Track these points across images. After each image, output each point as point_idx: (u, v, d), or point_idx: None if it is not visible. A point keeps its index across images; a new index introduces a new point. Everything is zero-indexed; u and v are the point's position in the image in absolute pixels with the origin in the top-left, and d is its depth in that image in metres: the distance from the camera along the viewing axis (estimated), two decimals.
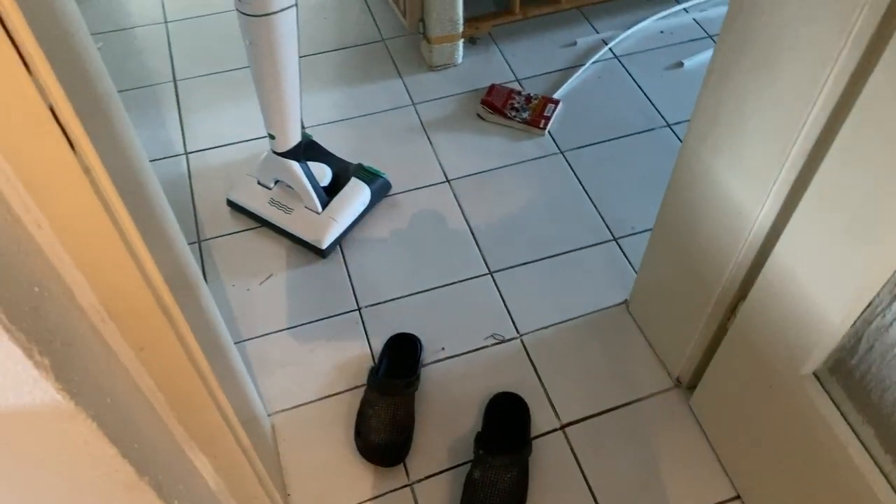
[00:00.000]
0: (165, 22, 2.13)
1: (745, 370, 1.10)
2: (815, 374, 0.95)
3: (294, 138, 1.44)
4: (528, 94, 1.83)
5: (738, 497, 1.21)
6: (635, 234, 1.57)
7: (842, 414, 0.92)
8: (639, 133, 1.78)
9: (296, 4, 1.21)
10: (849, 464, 0.91)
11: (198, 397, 0.80)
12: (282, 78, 1.29)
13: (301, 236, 1.53)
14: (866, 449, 0.89)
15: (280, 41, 1.22)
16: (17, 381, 0.47)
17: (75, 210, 0.55)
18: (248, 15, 1.19)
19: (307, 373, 1.37)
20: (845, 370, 0.91)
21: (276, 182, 1.57)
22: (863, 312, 0.84)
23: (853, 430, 0.91)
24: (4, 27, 0.44)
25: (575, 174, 1.69)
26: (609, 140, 1.77)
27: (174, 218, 0.78)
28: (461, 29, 1.89)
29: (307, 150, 1.55)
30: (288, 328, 1.44)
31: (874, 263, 0.79)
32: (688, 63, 1.91)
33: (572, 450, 1.27)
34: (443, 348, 1.40)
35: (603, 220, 1.60)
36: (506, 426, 1.27)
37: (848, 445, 0.91)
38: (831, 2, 0.75)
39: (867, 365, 0.86)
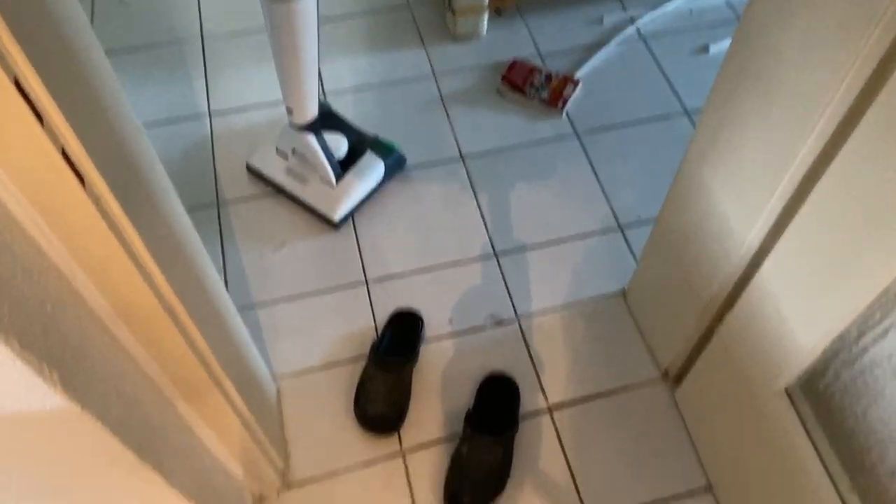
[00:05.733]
0: None
1: (727, 374, 1.14)
2: (787, 391, 1.00)
3: (311, 113, 1.48)
4: (549, 73, 1.83)
5: (710, 488, 1.28)
6: (640, 223, 1.59)
7: (806, 431, 0.97)
8: (656, 120, 1.78)
9: None
10: (808, 477, 0.96)
11: (182, 353, 0.83)
12: (300, 59, 1.32)
13: (315, 207, 1.59)
14: (825, 467, 0.94)
15: (300, 26, 1.25)
16: (29, 392, 0.54)
17: (84, 229, 0.61)
18: (270, 1, 1.21)
19: (314, 341, 1.45)
20: (814, 391, 0.95)
21: (294, 151, 1.62)
22: (832, 343, 0.87)
23: (815, 449, 0.96)
24: None
25: (588, 159, 1.71)
26: (625, 125, 1.77)
27: (170, 187, 0.80)
28: (487, 1, 1.88)
29: (324, 120, 1.58)
30: (298, 296, 1.51)
31: (846, 299, 0.83)
32: (713, 49, 1.89)
33: (557, 431, 1.34)
34: (451, 321, 1.46)
35: (611, 207, 1.63)
36: (495, 406, 1.33)
37: (809, 461, 0.96)
38: (829, 49, 0.76)
39: (832, 391, 0.90)
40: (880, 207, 0.75)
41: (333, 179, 1.57)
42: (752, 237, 0.99)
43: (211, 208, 1.64)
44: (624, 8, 2.01)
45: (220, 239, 1.59)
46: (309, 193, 1.59)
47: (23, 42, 0.49)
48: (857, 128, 0.76)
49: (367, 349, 1.42)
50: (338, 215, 1.57)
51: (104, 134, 0.62)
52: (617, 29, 1.95)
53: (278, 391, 1.38)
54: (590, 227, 1.60)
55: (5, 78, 0.47)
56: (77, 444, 0.62)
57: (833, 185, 0.81)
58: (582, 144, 1.74)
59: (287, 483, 1.28)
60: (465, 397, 1.38)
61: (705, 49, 1.90)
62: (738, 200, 1.00)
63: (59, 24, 0.57)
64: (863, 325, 0.83)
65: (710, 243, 1.10)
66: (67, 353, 0.58)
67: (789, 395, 1.00)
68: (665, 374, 1.39)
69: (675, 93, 1.83)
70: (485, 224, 1.61)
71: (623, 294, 1.50)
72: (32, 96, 0.50)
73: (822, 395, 0.93)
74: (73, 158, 0.56)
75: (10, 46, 0.48)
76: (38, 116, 0.51)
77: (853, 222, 0.79)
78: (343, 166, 1.60)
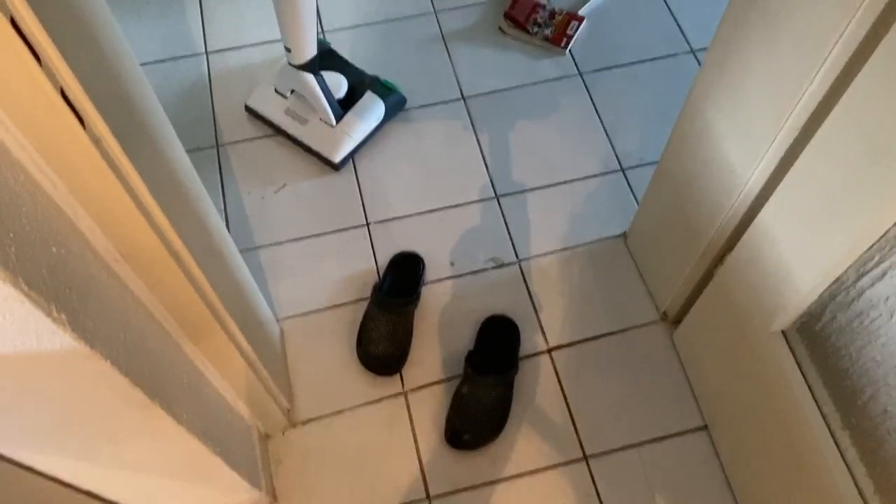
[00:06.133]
0: None
1: (725, 316, 1.16)
2: (784, 333, 1.01)
3: (310, 52, 1.45)
4: (553, 9, 1.79)
5: (705, 427, 1.31)
6: (643, 165, 1.58)
7: (801, 371, 0.99)
8: (661, 58, 1.75)
9: None
10: (801, 415, 0.98)
11: (186, 293, 0.84)
12: None
13: (315, 148, 1.57)
14: (819, 407, 0.96)
15: None
16: (39, 333, 0.55)
17: (86, 170, 0.61)
18: None
19: (316, 282, 1.46)
20: (810, 333, 0.96)
21: (293, 91, 1.59)
22: (830, 286, 0.88)
23: (809, 388, 0.98)
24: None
25: (591, 99, 1.69)
26: (630, 64, 1.74)
27: (170, 128, 0.80)
28: None
29: (324, 59, 1.55)
30: (299, 238, 1.51)
31: (845, 242, 0.83)
32: None
33: (556, 372, 1.36)
34: (452, 263, 1.47)
35: (613, 149, 1.61)
36: (496, 347, 1.36)
37: (803, 400, 0.98)
38: None
39: (827, 333, 0.92)
40: (885, 148, 0.74)
41: (333, 120, 1.55)
42: (755, 178, 0.98)
43: (210, 149, 1.63)
44: None
45: (221, 180, 1.59)
46: (309, 134, 1.58)
47: None
48: (866, 64, 0.75)
49: (368, 291, 1.44)
50: (338, 156, 1.55)
51: (103, 74, 0.61)
52: None
53: (281, 332, 1.40)
54: (592, 168, 1.59)
55: (1, 17, 0.46)
56: (88, 383, 0.64)
57: (839, 124, 0.81)
58: (585, 84, 1.71)
59: (292, 422, 1.31)
60: (466, 338, 1.40)
61: None
62: (741, 140, 0.99)
63: None
64: (861, 268, 0.83)
65: (712, 185, 1.10)
66: (74, 293, 0.59)
67: (785, 337, 1.01)
68: (664, 316, 1.41)
69: (682, 31, 1.79)
70: (486, 165, 1.60)
71: (624, 236, 1.50)
72: (29, 35, 0.49)
73: (818, 336, 0.95)
74: (72, 99, 0.55)
75: None
76: (36, 56, 0.50)
77: (857, 164, 0.79)
78: (343, 106, 1.59)
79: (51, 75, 0.52)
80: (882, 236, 0.78)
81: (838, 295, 0.88)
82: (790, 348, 1.00)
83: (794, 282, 0.94)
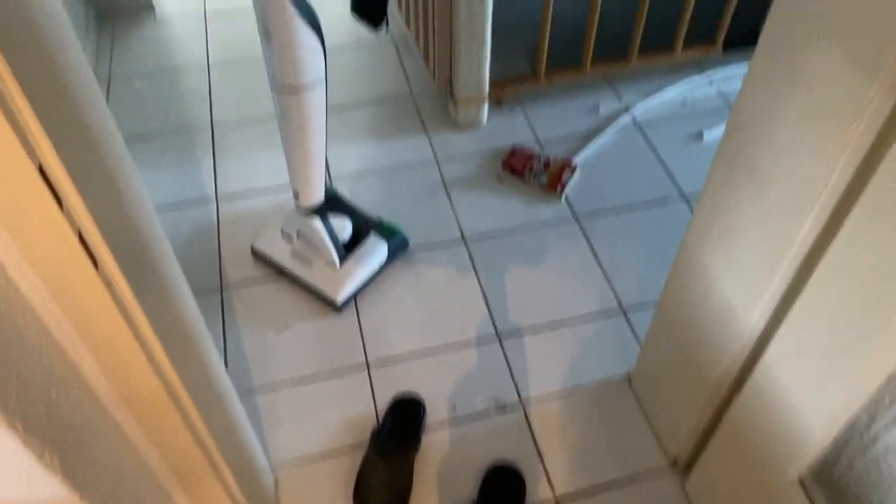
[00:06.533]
0: (208, 64, 2.23)
1: (738, 463, 1.12)
2: (801, 480, 0.97)
3: (317, 197, 1.50)
4: (548, 158, 1.88)
5: None
6: (643, 307, 1.60)
7: None
8: (654, 204, 1.81)
9: (325, 82, 1.28)
10: None
11: (183, 440, 0.82)
12: (309, 147, 1.35)
13: (318, 290, 1.59)
14: None
15: (309, 115, 1.29)
16: (30, 477, 0.53)
17: (94, 312, 0.61)
18: (280, 90, 1.26)
19: (314, 427, 1.42)
20: (828, 481, 0.92)
21: (299, 234, 1.64)
22: (843, 430, 0.86)
23: None
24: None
25: (588, 242, 1.73)
26: (624, 209, 1.80)
27: (179, 272, 0.81)
28: (487, 91, 1.95)
29: (330, 203, 1.61)
30: (299, 381, 1.49)
31: (853, 384, 0.82)
32: (708, 135, 1.95)
33: None
34: (453, 406, 1.44)
35: (613, 290, 1.63)
36: (500, 498, 1.29)
37: None
38: (820, 137, 0.79)
39: (846, 481, 0.88)
40: (881, 291, 0.75)
41: (337, 261, 1.58)
42: (756, 320, 0.99)
43: (214, 293, 1.65)
44: (619, 97, 2.08)
45: (223, 322, 1.59)
46: (312, 275, 1.60)
47: (48, 129, 0.51)
48: (851, 213, 0.78)
49: (367, 436, 1.39)
50: (340, 297, 1.57)
51: (119, 218, 0.64)
52: (613, 117, 2.02)
53: (276, 482, 1.34)
54: (592, 309, 1.60)
55: (30, 163, 0.49)
56: None
57: (832, 269, 0.82)
58: (581, 228, 1.76)
59: None
60: (468, 488, 1.34)
61: (699, 136, 1.96)
62: (739, 284, 1.01)
63: (82, 112, 0.59)
64: (873, 411, 0.82)
65: (713, 326, 1.10)
66: (69, 438, 0.57)
67: (803, 485, 0.97)
68: (674, 463, 1.36)
69: (672, 178, 1.87)
70: (487, 306, 1.61)
71: (628, 378, 1.48)
72: (54, 181, 0.51)
73: (837, 484, 0.91)
74: (89, 241, 0.56)
75: (37, 134, 0.50)
76: (58, 200, 0.52)
77: (855, 306, 0.79)
78: (347, 248, 1.62)
79: (70, 218, 0.54)
80: (889, 378, 0.77)
81: (852, 439, 0.85)
82: (809, 498, 0.96)
83: (806, 425, 0.91)
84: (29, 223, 0.52)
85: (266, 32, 1.18)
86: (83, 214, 0.55)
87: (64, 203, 0.53)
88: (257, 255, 1.69)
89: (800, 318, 0.90)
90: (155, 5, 2.46)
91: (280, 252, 1.65)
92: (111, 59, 2.26)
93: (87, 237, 0.56)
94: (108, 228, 0.59)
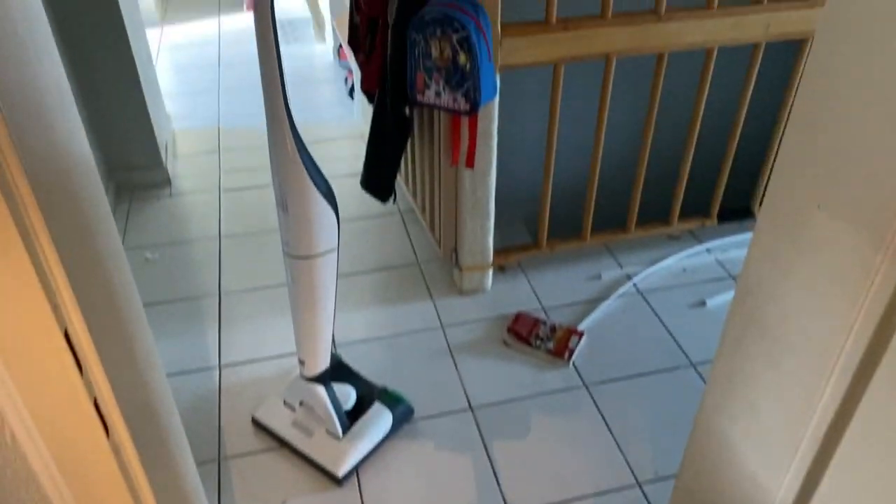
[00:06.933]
0: (219, 237, 2.31)
1: None
2: None
3: (322, 365, 1.49)
4: (553, 324, 1.89)
5: None
6: (660, 480, 1.52)
7: None
8: (663, 371, 1.79)
9: (337, 248, 1.32)
10: None
11: None
12: (318, 312, 1.37)
13: (319, 462, 1.53)
14: None
15: (320, 280, 1.32)
16: None
17: (100, 480, 0.59)
18: (293, 257, 1.29)
19: None
20: None
21: (302, 403, 1.60)
22: None
23: None
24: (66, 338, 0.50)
25: (599, 410, 1.69)
26: (633, 376, 1.78)
27: (185, 442, 0.79)
28: (491, 259, 2.00)
29: (334, 371, 1.59)
30: None
31: None
32: (710, 302, 1.97)
33: None
34: None
35: (626, 461, 1.57)
36: None
37: None
38: (831, 299, 0.80)
39: None
40: None
41: (340, 431, 1.53)
42: (783, 492, 0.94)
43: (212, 463, 1.58)
44: (620, 265, 2.14)
45: (218, 497, 1.51)
46: (314, 447, 1.54)
47: (79, 295, 0.51)
48: (874, 378, 0.77)
49: None
50: (342, 471, 1.50)
51: (134, 385, 0.63)
52: (616, 284, 2.06)
53: None
54: (607, 483, 1.53)
55: (56, 328, 0.49)
56: None
57: (861, 438, 0.80)
58: (591, 395, 1.73)
59: None
60: None
61: (702, 303, 1.98)
62: (762, 453, 0.97)
63: (110, 278, 0.60)
64: None
65: (737, 499, 1.04)
66: None
67: None
68: None
69: (679, 345, 1.87)
70: (496, 479, 1.54)
71: None
72: (78, 346, 0.51)
73: None
74: (103, 407, 0.55)
75: (67, 298, 0.50)
76: (79, 365, 0.52)
77: (892, 479, 0.76)
78: (351, 417, 1.58)
79: (89, 385, 0.53)
80: None
81: None
82: None
83: None
84: (46, 388, 0.52)
85: (283, 202, 1.24)
86: (101, 381, 0.54)
87: (84, 369, 0.53)
88: (258, 425, 1.64)
89: (831, 490, 0.85)
90: (172, 181, 2.59)
91: (281, 422, 1.60)
92: (125, 231, 2.35)
93: (102, 403, 0.55)
94: (123, 395, 0.58)
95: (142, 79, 2.39)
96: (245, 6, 4.12)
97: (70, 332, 0.51)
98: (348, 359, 1.78)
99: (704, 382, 1.72)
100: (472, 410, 1.70)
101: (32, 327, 0.48)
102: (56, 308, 0.50)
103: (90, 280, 0.56)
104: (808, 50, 1.87)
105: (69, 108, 0.60)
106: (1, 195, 0.45)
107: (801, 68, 1.90)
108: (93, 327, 0.53)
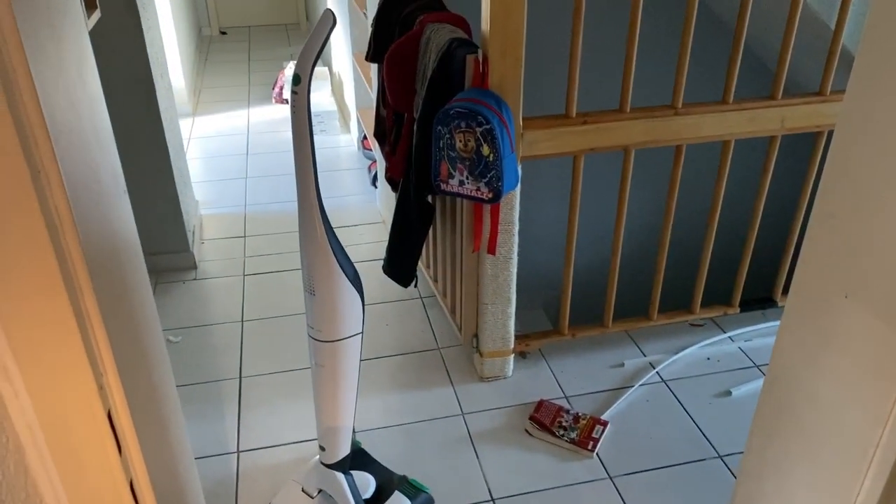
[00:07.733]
0: (242, 321, 2.33)
1: None
2: None
3: (343, 451, 1.47)
4: (577, 413, 1.86)
5: None
6: None
7: None
8: (690, 462, 1.74)
9: (362, 332, 1.33)
10: None
11: None
12: (340, 396, 1.36)
13: None
14: None
15: (344, 364, 1.32)
16: None
17: None
18: (319, 341, 1.30)
19: None
20: None
21: (320, 491, 1.57)
22: None
23: None
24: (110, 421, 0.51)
25: (624, 503, 1.64)
26: (659, 468, 1.73)
27: None
28: (512, 345, 2.00)
29: (354, 459, 1.56)
30: None
31: None
32: (736, 392, 1.94)
33: None
34: None
35: None
36: None
37: None
38: (864, 390, 0.79)
39: None
40: None
41: None
42: None
43: None
44: (643, 353, 2.12)
45: None
46: None
47: (122, 377, 0.52)
48: None
49: None
50: None
51: (167, 467, 0.63)
52: (639, 373, 2.03)
53: None
54: None
55: (101, 408, 0.50)
56: None
57: None
58: (616, 487, 1.68)
59: None
60: None
61: (727, 393, 1.94)
62: None
63: (149, 361, 0.62)
64: None
65: None
66: None
67: None
68: None
69: (704, 435, 1.82)
70: None
71: None
72: (119, 427, 0.52)
73: None
74: (137, 491, 0.55)
75: (112, 380, 0.51)
76: (119, 446, 0.52)
77: None
78: None
79: (126, 468, 0.53)
80: None
81: None
82: None
83: None
84: (85, 469, 0.52)
85: (311, 286, 1.26)
86: (138, 462, 0.54)
87: (123, 450, 0.54)
88: None
89: None
90: (197, 265, 2.64)
91: None
92: None
93: (137, 486, 0.55)
94: (157, 477, 0.58)
95: (174, 167, 2.48)
96: (273, 99, 4.31)
97: (112, 413, 0.52)
98: (367, 445, 1.76)
99: (733, 475, 1.67)
100: (494, 502, 1.65)
101: (78, 406, 0.50)
102: (101, 389, 0.51)
103: (133, 362, 0.58)
104: (822, 142, 1.91)
105: (122, 196, 0.63)
106: (61, 280, 0.47)
107: (818, 159, 1.94)
108: (134, 410, 0.54)
